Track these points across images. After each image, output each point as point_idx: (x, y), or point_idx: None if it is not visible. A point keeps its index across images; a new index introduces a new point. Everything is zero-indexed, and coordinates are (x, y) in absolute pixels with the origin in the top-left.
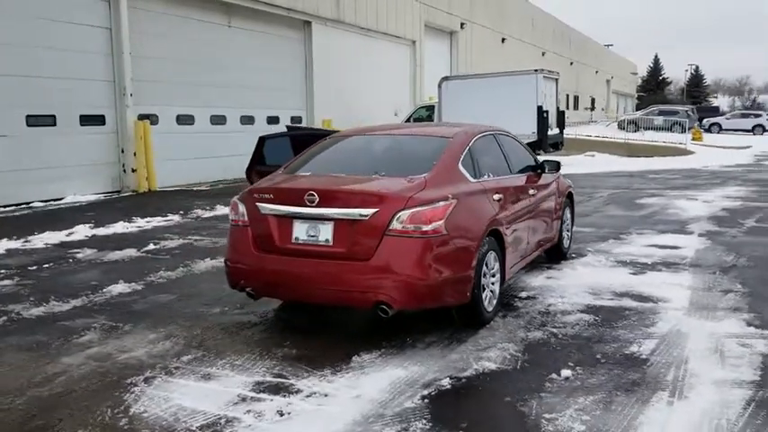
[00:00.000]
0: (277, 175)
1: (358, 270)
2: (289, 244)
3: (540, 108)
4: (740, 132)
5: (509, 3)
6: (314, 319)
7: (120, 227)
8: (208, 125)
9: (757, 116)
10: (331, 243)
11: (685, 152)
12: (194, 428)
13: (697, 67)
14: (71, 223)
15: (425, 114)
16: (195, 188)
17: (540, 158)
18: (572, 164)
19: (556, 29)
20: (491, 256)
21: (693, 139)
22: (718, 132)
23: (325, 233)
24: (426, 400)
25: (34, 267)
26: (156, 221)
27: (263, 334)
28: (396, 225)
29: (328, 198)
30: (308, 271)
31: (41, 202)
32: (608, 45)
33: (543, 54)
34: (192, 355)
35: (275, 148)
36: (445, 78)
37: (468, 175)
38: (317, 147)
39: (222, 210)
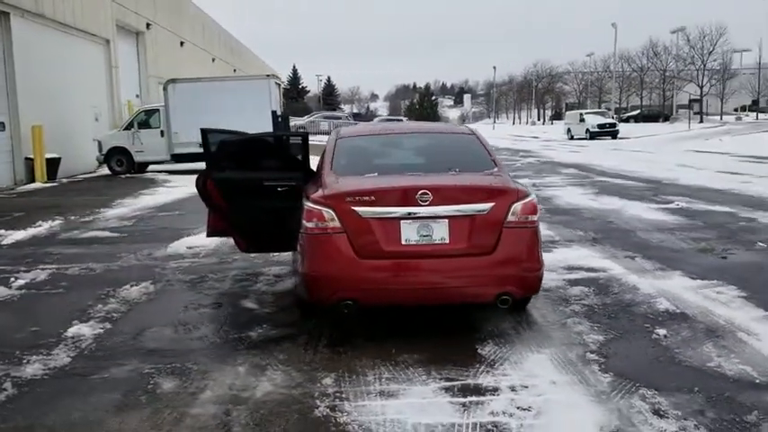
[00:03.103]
0: (347, 179)
1: (481, 265)
2: (398, 246)
3: (274, 113)
4: None
5: (184, 7)
6: (357, 323)
7: None
8: None
9: (399, 120)
10: (447, 241)
11: None
12: None
13: (329, 78)
14: None
15: (144, 118)
16: None
17: None
18: None
19: (221, 36)
20: None
21: None
22: None
23: (440, 231)
24: (613, 374)
25: None
26: None
27: (349, 347)
28: (511, 217)
29: (443, 195)
30: (426, 272)
31: None
32: None
33: (213, 60)
34: (331, 379)
35: (232, 154)
36: (172, 81)
37: None
38: (344, 149)
39: (17, 234)
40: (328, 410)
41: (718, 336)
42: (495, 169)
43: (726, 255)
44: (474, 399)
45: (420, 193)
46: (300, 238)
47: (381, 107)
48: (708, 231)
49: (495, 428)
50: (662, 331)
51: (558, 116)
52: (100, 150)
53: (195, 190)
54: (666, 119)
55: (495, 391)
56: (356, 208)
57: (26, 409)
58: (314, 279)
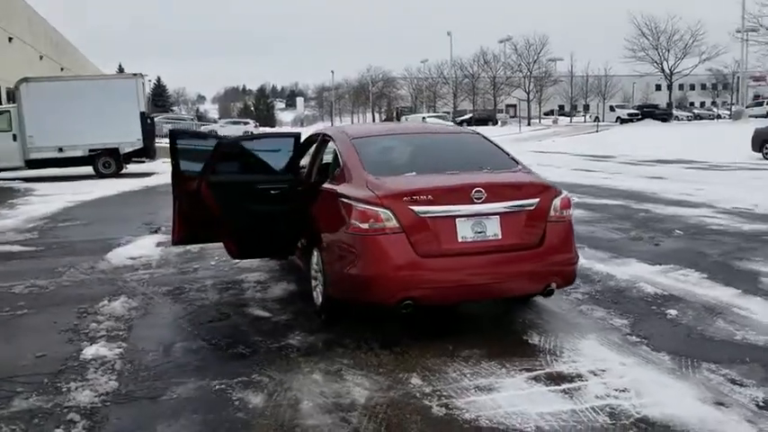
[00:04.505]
0: (391, 179)
1: (531, 258)
2: (454, 244)
3: (143, 114)
4: None
5: (12, 1)
6: (392, 324)
7: None
8: None
9: (246, 123)
10: (500, 236)
11: None
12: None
13: (159, 78)
14: None
15: None
16: None
17: None
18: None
19: (47, 32)
20: None
21: None
22: None
23: (493, 228)
24: (667, 353)
25: None
26: None
27: (404, 347)
28: (553, 212)
29: (495, 192)
30: (482, 268)
31: None
32: None
33: (41, 58)
34: (418, 379)
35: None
36: (25, 80)
37: None
38: (367, 149)
39: None
40: (444, 408)
41: (719, 313)
42: (520, 167)
43: (657, 242)
44: (569, 386)
45: (474, 190)
46: (347, 239)
47: (211, 109)
48: (621, 222)
49: (613, 411)
50: (672, 312)
51: (389, 120)
52: None
53: (78, 198)
54: (495, 122)
55: (580, 377)
56: (414, 207)
57: None
58: (376, 280)
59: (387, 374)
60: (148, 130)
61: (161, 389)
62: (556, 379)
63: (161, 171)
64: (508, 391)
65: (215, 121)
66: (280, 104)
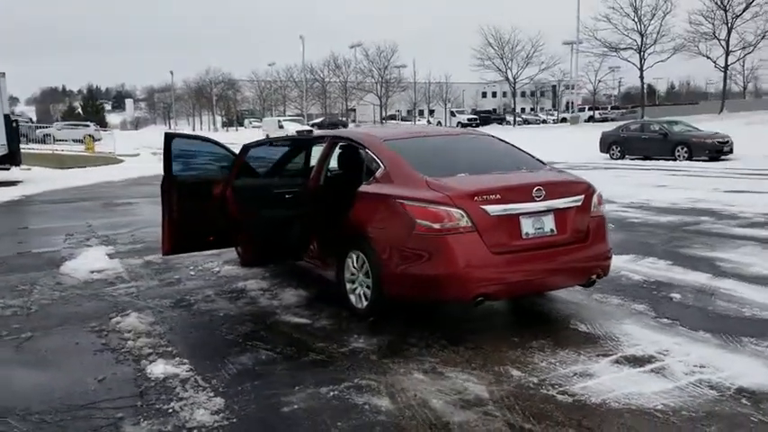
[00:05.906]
0: (451, 179)
1: (580, 251)
2: (519, 240)
3: (7, 117)
4: (72, 142)
5: None
6: (440, 322)
7: None
8: None
9: (86, 126)
10: (556, 232)
11: (117, 161)
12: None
13: None
14: None
15: None
16: None
17: None
18: (34, 179)
19: None
20: None
21: (87, 148)
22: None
23: (549, 224)
24: (704, 330)
25: None
26: None
27: (473, 343)
28: (593, 208)
29: (551, 191)
30: (544, 262)
31: None
32: None
33: None
34: (516, 371)
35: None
36: None
37: None
38: (408, 151)
39: None
40: (567, 396)
41: (712, 294)
42: (548, 166)
43: None
44: (651, 366)
45: (535, 189)
46: (413, 240)
47: (27, 111)
48: None
49: (711, 384)
50: (675, 295)
51: (230, 123)
52: None
53: None
54: (345, 126)
55: (652, 358)
56: (485, 206)
57: None
58: (452, 278)
59: (482, 369)
60: (13, 134)
61: (272, 401)
62: (635, 361)
63: (27, 179)
64: (606, 376)
65: (48, 125)
66: (106, 106)
